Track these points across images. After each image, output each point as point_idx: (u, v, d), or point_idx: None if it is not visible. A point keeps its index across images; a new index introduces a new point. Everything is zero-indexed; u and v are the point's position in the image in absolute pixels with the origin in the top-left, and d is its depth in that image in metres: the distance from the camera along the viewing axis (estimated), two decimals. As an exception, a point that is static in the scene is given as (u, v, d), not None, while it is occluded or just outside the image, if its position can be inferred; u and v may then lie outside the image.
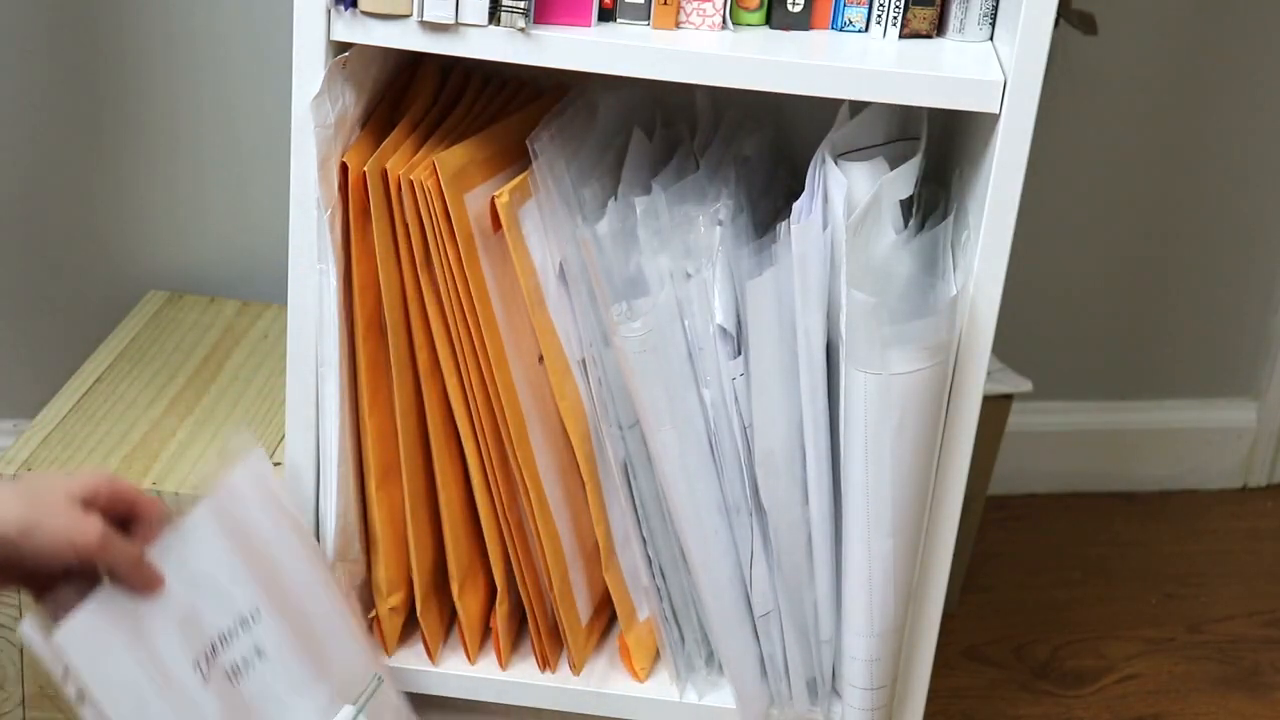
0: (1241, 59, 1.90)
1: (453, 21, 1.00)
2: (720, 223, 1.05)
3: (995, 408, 1.69)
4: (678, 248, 1.05)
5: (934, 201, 1.15)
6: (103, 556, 0.91)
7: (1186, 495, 2.12)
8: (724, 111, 1.21)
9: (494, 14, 1.00)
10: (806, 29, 1.07)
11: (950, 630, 1.32)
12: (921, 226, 1.11)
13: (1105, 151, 1.92)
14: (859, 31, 1.07)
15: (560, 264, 1.11)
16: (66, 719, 1.44)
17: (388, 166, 1.05)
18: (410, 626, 1.22)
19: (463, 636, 1.23)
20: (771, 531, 1.09)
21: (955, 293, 1.02)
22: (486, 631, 1.25)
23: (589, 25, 1.03)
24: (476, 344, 1.08)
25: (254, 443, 1.07)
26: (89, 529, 0.91)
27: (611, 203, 1.09)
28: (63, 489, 0.92)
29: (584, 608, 1.22)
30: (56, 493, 0.92)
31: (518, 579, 1.18)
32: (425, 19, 1.00)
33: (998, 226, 1.01)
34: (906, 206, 1.09)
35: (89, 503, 0.92)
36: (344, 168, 1.07)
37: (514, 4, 0.99)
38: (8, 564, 0.90)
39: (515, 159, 1.12)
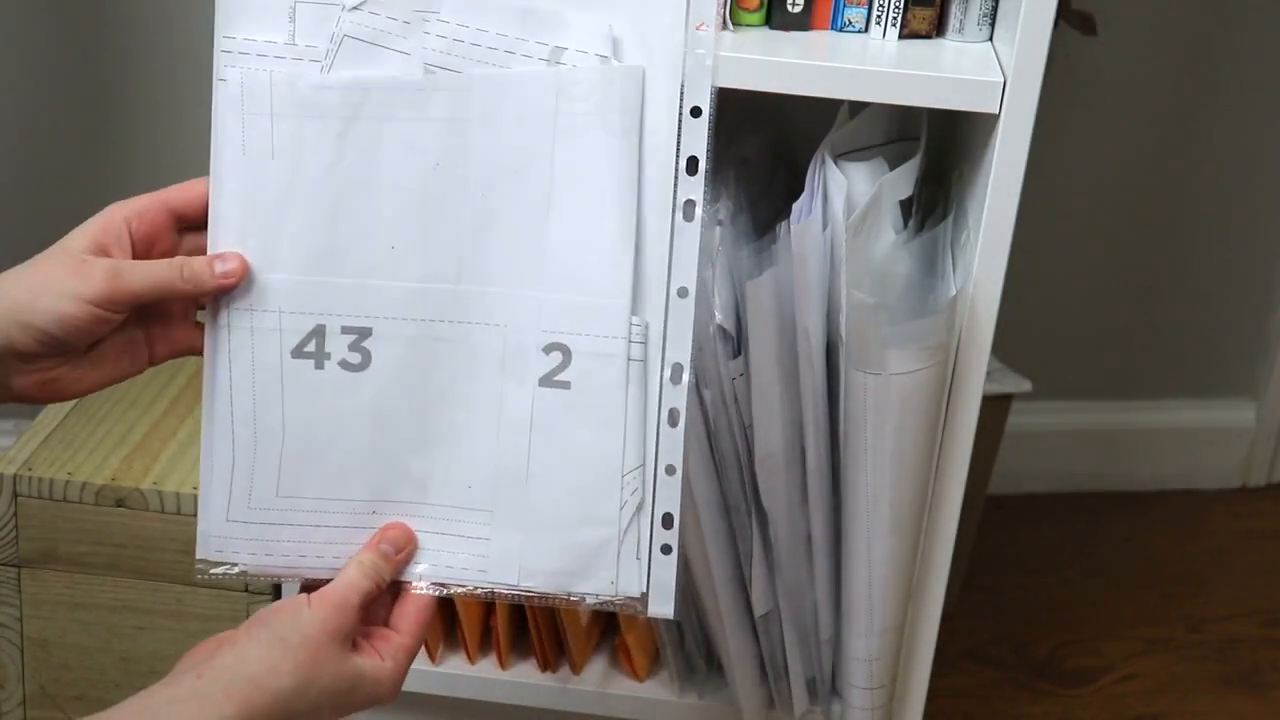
0: (1240, 59, 1.90)
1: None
2: (720, 223, 1.05)
3: (995, 408, 1.69)
4: (678, 248, 1.05)
5: (934, 201, 1.15)
6: (120, 294, 0.81)
7: (1186, 495, 2.13)
8: (724, 111, 1.21)
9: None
10: (806, 29, 1.07)
11: (950, 630, 1.32)
12: (921, 226, 1.11)
13: (1104, 152, 1.92)
14: (859, 32, 1.07)
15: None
16: (67, 719, 1.44)
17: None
18: (410, 626, 1.22)
19: (463, 636, 1.23)
20: (771, 531, 1.09)
21: (955, 293, 1.01)
22: (487, 631, 1.25)
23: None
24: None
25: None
26: (90, 275, 0.81)
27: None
28: (61, 250, 0.83)
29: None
30: (54, 259, 0.82)
31: (518, 579, 1.18)
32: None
33: (997, 226, 1.01)
34: (906, 206, 1.09)
35: (101, 248, 0.83)
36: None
37: (514, 4, 0.99)
38: (55, 352, 0.82)
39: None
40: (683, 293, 0.89)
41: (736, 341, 1.04)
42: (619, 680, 1.24)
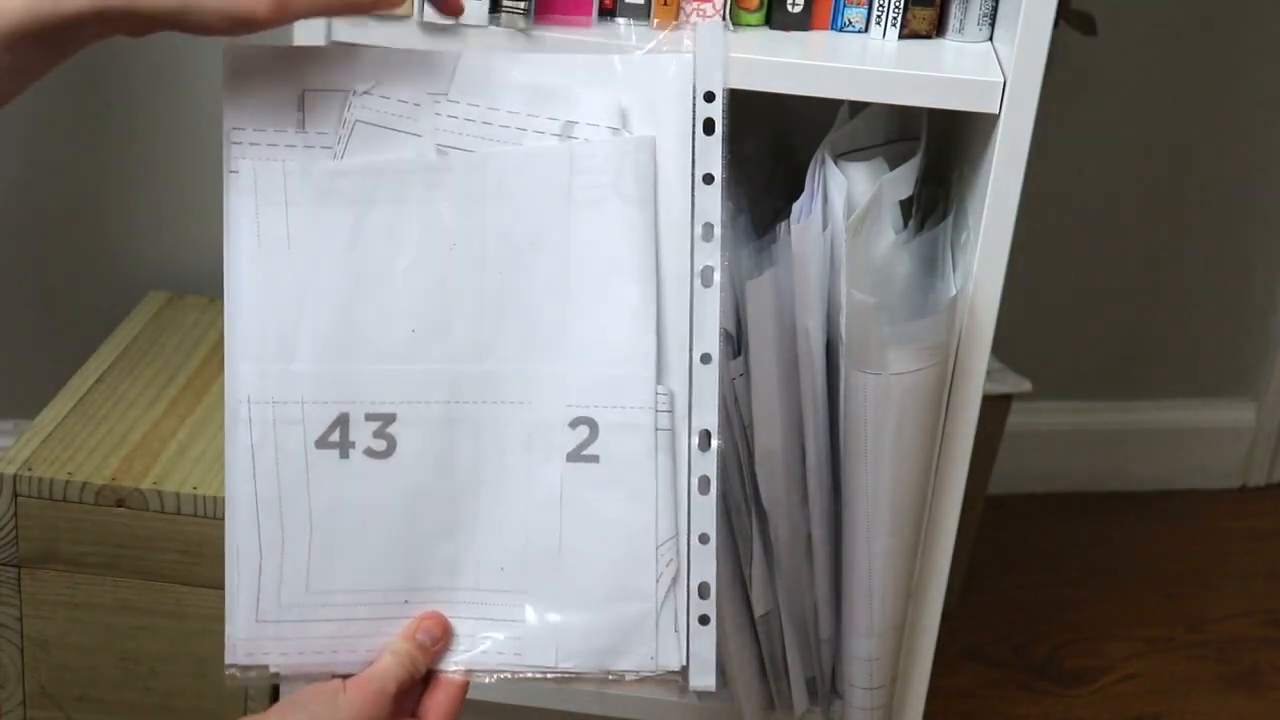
0: (1240, 59, 1.90)
1: (453, 22, 1.00)
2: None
3: (995, 408, 1.69)
4: (678, 248, 1.05)
5: (934, 201, 1.15)
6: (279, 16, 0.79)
7: (1186, 495, 2.13)
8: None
9: (494, 14, 1.00)
10: (806, 29, 1.07)
11: (950, 630, 1.32)
12: (921, 226, 1.11)
13: (1104, 151, 1.92)
14: (859, 32, 1.07)
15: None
16: (67, 718, 1.44)
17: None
18: (410, 626, 1.22)
19: (463, 636, 1.22)
20: (771, 531, 1.09)
21: (955, 293, 1.02)
22: (487, 631, 1.24)
23: (589, 25, 1.03)
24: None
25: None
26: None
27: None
28: None
29: (584, 608, 1.22)
30: None
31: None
32: (426, 20, 1.00)
33: (997, 226, 1.01)
34: (906, 206, 1.09)
35: None
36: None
37: (514, 4, 0.99)
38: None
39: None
40: (705, 359, 0.88)
41: (736, 341, 1.04)
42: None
